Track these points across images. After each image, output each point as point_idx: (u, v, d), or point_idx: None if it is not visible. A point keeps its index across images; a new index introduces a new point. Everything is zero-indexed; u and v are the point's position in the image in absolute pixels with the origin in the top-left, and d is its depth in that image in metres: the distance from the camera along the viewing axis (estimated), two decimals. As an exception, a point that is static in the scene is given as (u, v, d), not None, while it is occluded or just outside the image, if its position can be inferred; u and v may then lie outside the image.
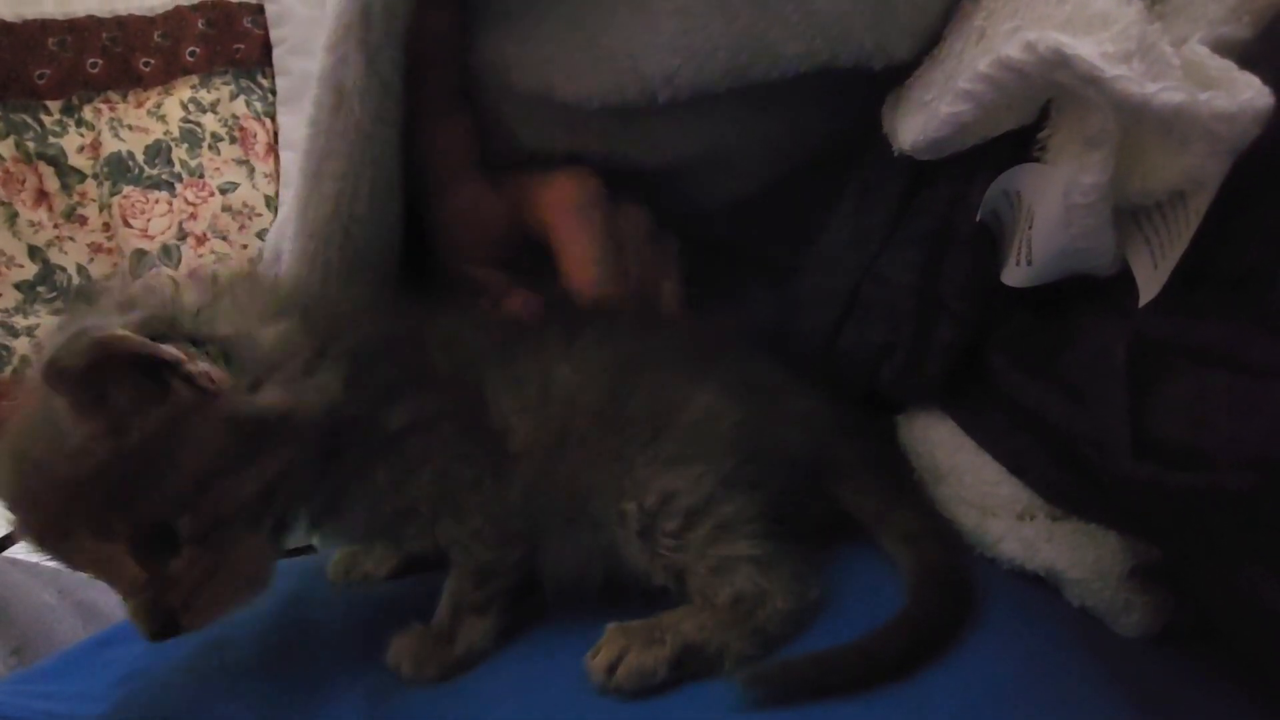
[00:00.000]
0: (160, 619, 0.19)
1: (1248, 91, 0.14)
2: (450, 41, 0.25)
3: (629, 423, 0.23)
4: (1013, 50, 0.16)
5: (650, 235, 0.28)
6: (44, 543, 0.19)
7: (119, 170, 0.85)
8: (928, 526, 0.24)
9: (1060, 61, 0.15)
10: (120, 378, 0.17)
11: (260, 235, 0.89)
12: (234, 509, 0.19)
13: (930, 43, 0.23)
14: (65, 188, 0.84)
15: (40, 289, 0.83)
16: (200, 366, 0.18)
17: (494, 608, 0.23)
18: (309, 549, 0.33)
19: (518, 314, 0.26)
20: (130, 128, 0.86)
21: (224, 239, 0.88)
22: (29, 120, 0.83)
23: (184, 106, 0.88)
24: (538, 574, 0.24)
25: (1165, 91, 0.14)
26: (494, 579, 0.23)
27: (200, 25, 0.89)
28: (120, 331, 0.17)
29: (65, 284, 0.84)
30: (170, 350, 0.18)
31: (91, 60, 0.85)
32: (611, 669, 0.20)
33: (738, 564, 0.22)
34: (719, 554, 0.22)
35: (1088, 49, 0.15)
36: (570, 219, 0.26)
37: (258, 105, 0.92)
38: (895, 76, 0.24)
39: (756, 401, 0.24)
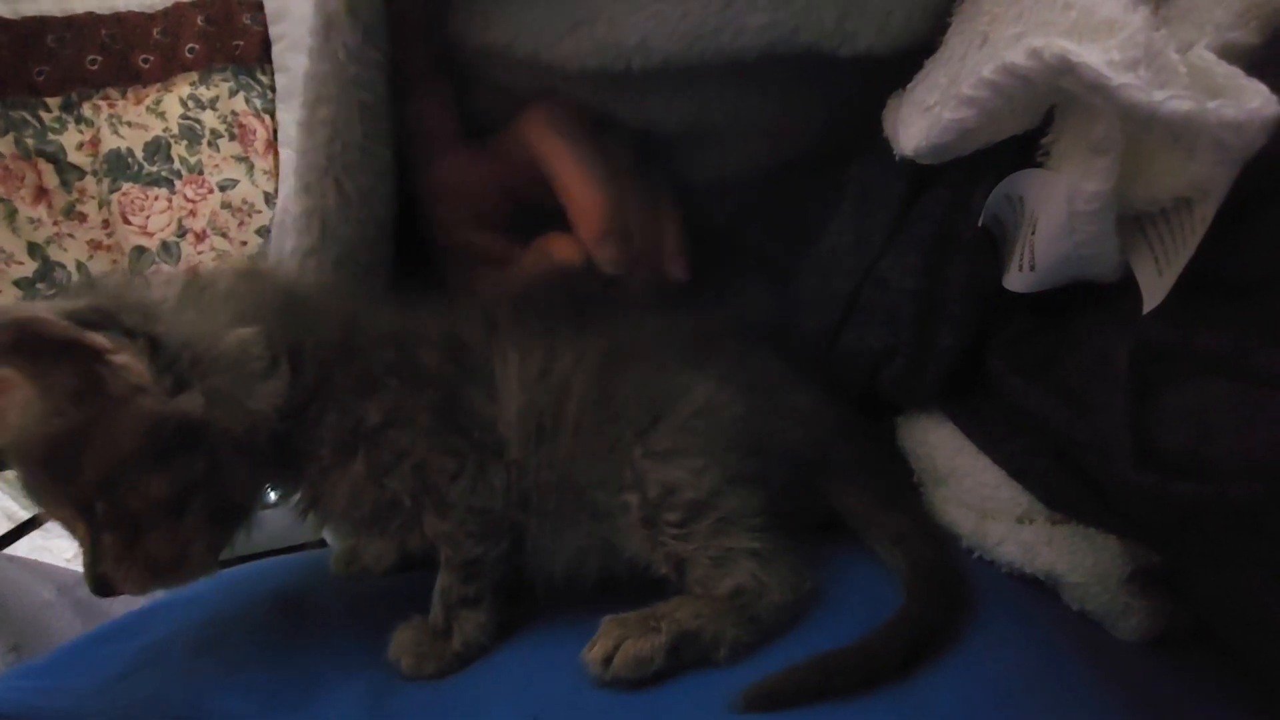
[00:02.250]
0: (93, 580, 0.20)
1: (1255, 99, 0.14)
2: (422, 10, 0.25)
3: (625, 411, 0.23)
4: (1017, 57, 0.16)
5: (639, 160, 0.28)
6: (29, 496, 0.20)
7: (118, 167, 0.85)
8: (917, 527, 0.24)
9: (1066, 69, 0.15)
10: (62, 362, 0.17)
11: (259, 232, 0.89)
12: (143, 505, 0.19)
13: (905, 35, 0.23)
14: (65, 185, 0.84)
15: (40, 286, 0.83)
16: (122, 359, 0.18)
17: (486, 600, 0.23)
18: (315, 545, 0.34)
19: (559, 259, 0.26)
20: (129, 125, 0.86)
21: (223, 235, 0.88)
22: (28, 117, 0.83)
23: (183, 103, 0.88)
24: (528, 569, 0.24)
25: (1172, 100, 0.14)
26: (482, 573, 0.23)
27: (199, 22, 0.89)
28: (40, 315, 0.17)
29: (65, 281, 0.84)
30: (94, 338, 0.17)
31: (91, 57, 0.85)
32: (608, 660, 0.20)
33: (739, 557, 0.22)
34: (721, 546, 0.22)
35: (1094, 56, 0.15)
36: (558, 142, 0.26)
37: (257, 102, 0.92)
38: (894, 79, 0.23)
39: (758, 395, 0.24)
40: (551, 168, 0.26)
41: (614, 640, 0.21)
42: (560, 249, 0.26)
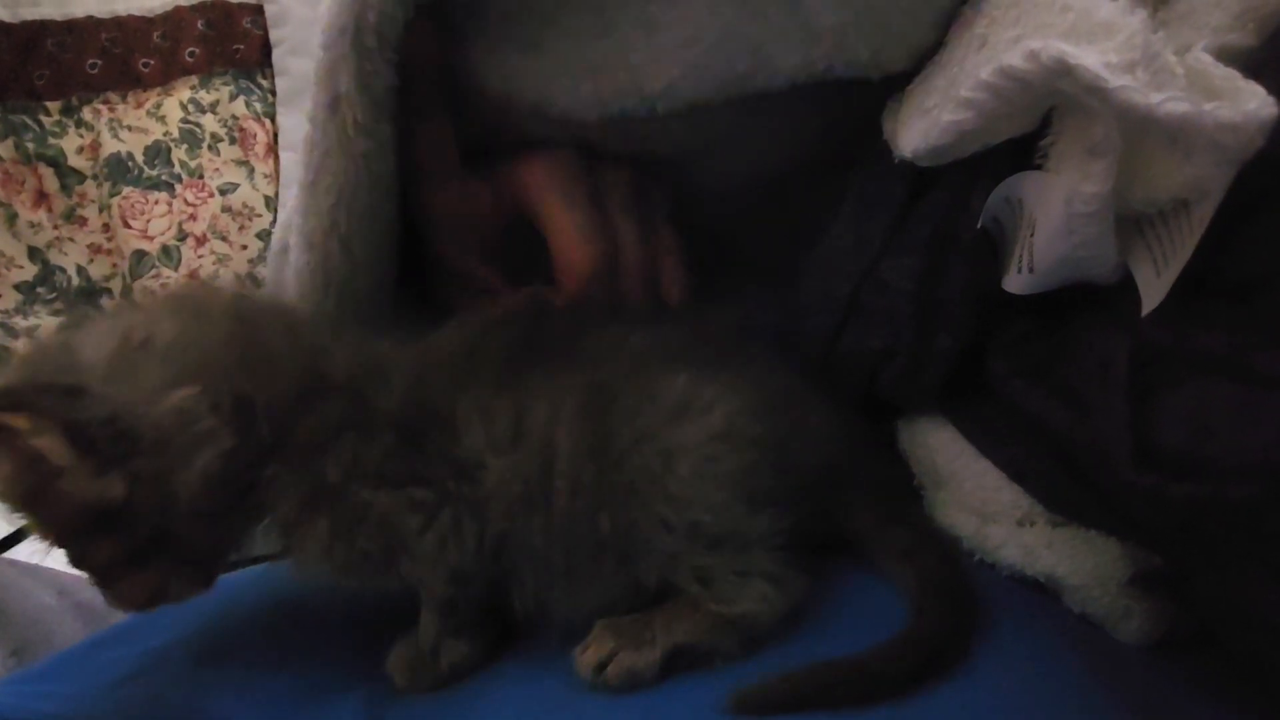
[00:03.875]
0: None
1: (1252, 101, 0.14)
2: (430, 44, 0.24)
3: (630, 456, 0.21)
4: (1015, 59, 0.16)
5: (638, 192, 0.27)
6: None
7: (118, 171, 0.85)
8: (926, 542, 0.23)
9: (1064, 71, 0.15)
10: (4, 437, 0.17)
11: (260, 236, 0.89)
12: (101, 562, 0.19)
13: (928, 53, 0.23)
14: (65, 189, 0.84)
15: (40, 290, 0.83)
16: (41, 442, 0.17)
17: (467, 632, 0.23)
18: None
19: (518, 307, 0.26)
20: (129, 128, 0.86)
21: (224, 239, 0.88)
22: (28, 121, 0.83)
23: (183, 107, 0.88)
24: (525, 614, 0.22)
25: (1169, 102, 0.14)
26: (458, 609, 0.22)
27: (200, 26, 0.89)
28: None
29: (65, 285, 0.84)
30: (13, 421, 0.17)
31: (91, 61, 0.85)
32: (601, 666, 0.20)
33: (755, 580, 0.21)
34: (741, 566, 0.21)
35: (1091, 59, 0.15)
36: (550, 197, 0.26)
37: (257, 106, 0.92)
38: (894, 81, 0.23)
39: (775, 414, 0.23)
40: (542, 222, 0.26)
41: (608, 649, 0.20)
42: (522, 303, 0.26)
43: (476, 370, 0.22)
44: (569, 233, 0.25)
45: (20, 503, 0.18)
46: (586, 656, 0.20)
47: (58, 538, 0.19)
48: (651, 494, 0.21)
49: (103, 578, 0.19)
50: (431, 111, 0.26)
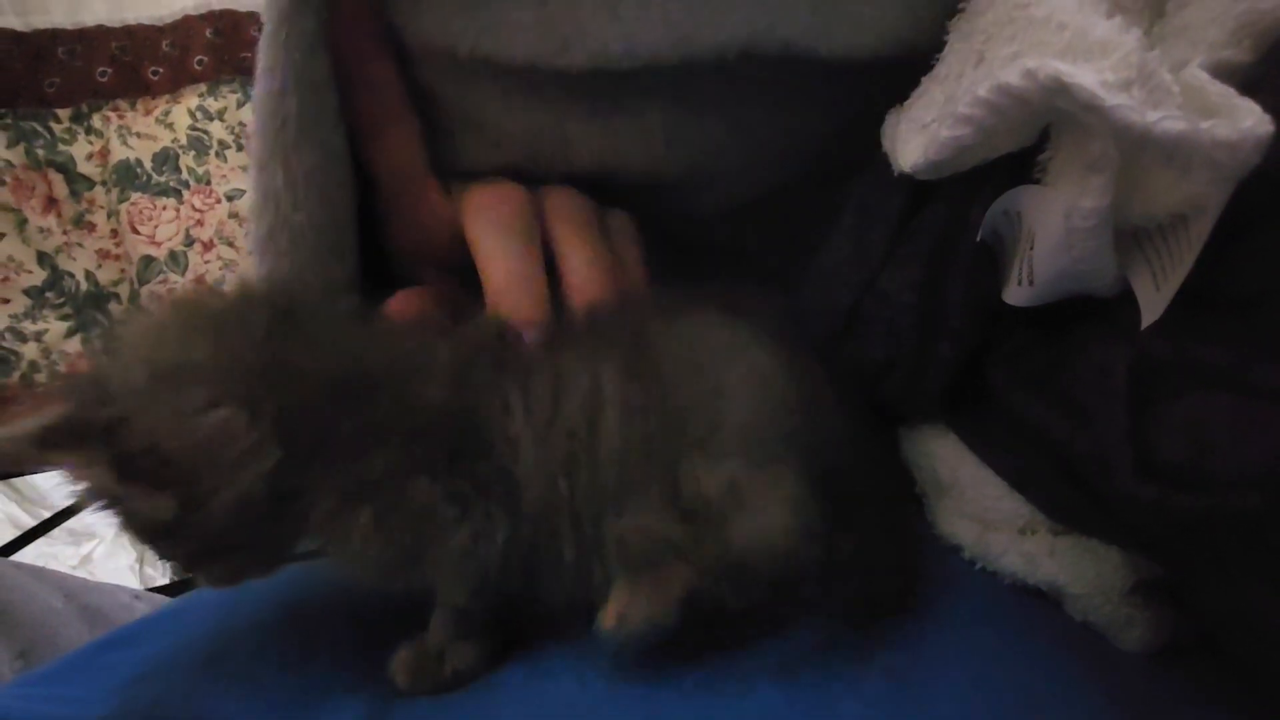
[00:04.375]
0: None
1: (1249, 119, 0.14)
2: (379, 48, 0.24)
3: (681, 418, 0.21)
4: (1012, 77, 0.16)
5: (589, 214, 0.27)
6: None
7: (127, 177, 0.86)
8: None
9: (1060, 89, 0.15)
10: None
11: (266, 241, 0.89)
12: (175, 559, 0.20)
13: (891, 44, 0.23)
14: (74, 195, 0.85)
15: (49, 295, 0.84)
16: (92, 473, 0.18)
17: (477, 635, 0.23)
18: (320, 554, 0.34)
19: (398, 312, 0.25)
20: (138, 135, 0.87)
21: (230, 245, 0.89)
22: (39, 128, 0.84)
23: (191, 114, 0.89)
24: (563, 605, 0.22)
25: (1166, 120, 0.14)
26: (471, 618, 0.22)
27: (208, 34, 0.90)
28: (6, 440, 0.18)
29: (73, 290, 0.84)
30: (60, 458, 0.18)
31: (101, 69, 0.86)
32: (623, 619, 0.20)
33: (779, 497, 0.20)
34: (772, 483, 0.20)
35: (1087, 77, 0.15)
36: (485, 232, 0.25)
37: (264, 113, 0.93)
38: (893, 96, 0.24)
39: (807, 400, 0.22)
40: (478, 262, 0.25)
41: (626, 599, 0.20)
42: (399, 307, 0.26)
43: (510, 358, 0.22)
44: (502, 286, 0.25)
45: (102, 510, 0.19)
46: (606, 615, 0.20)
47: (138, 540, 0.20)
48: (701, 431, 0.20)
49: (186, 567, 0.21)
50: (396, 118, 0.25)
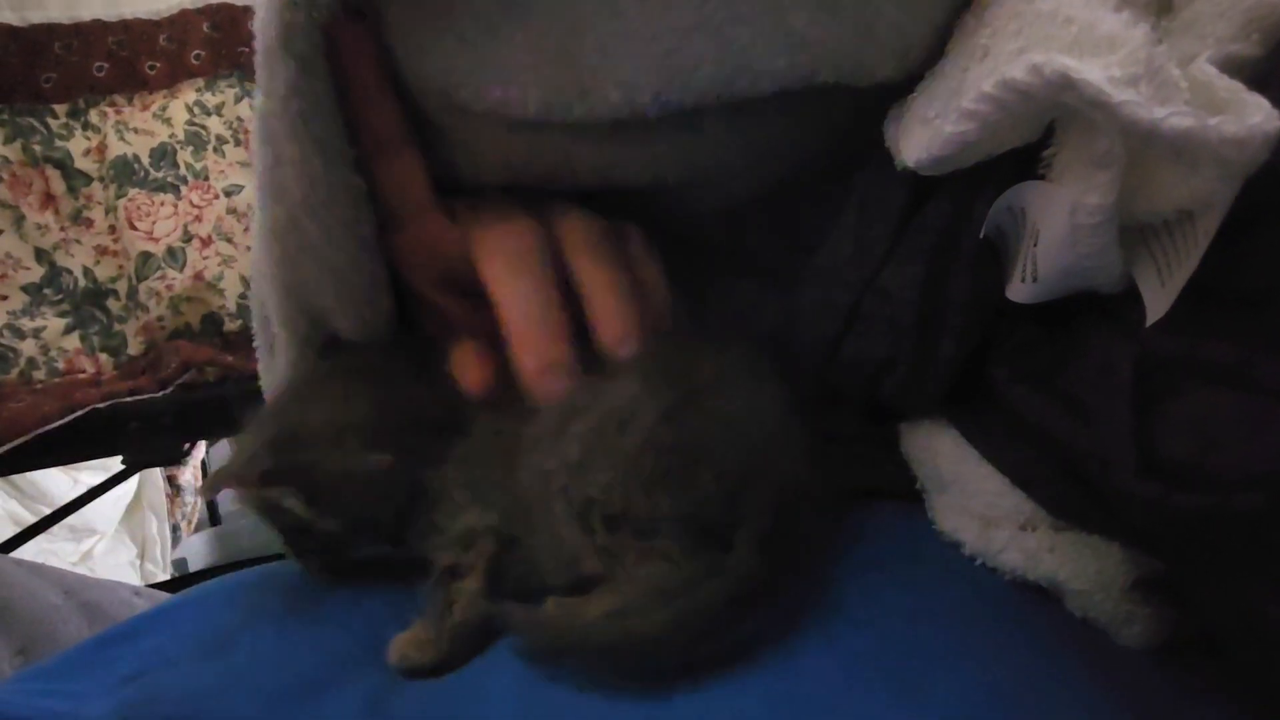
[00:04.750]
0: None
1: (1257, 115, 0.14)
2: (378, 78, 0.24)
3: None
4: (1018, 72, 0.16)
5: (605, 240, 0.26)
6: None
7: (125, 173, 0.85)
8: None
9: (1066, 85, 0.15)
10: None
11: (265, 237, 0.89)
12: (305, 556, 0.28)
13: (921, 62, 0.23)
14: (71, 191, 0.84)
15: (47, 291, 0.83)
16: (289, 503, 0.24)
17: (484, 565, 0.24)
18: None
19: (463, 375, 0.26)
20: (136, 131, 0.86)
21: (229, 241, 0.88)
22: (35, 124, 0.84)
23: (189, 109, 0.89)
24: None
25: (1173, 116, 0.14)
26: (488, 542, 0.24)
27: (205, 28, 0.89)
28: (236, 475, 0.25)
29: (71, 286, 0.84)
30: (269, 495, 0.24)
31: (98, 64, 0.86)
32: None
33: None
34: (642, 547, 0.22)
35: (1094, 73, 0.15)
36: (495, 267, 0.25)
37: (262, 108, 0.92)
38: (894, 90, 0.23)
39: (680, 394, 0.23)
40: (498, 306, 0.25)
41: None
42: (471, 373, 0.26)
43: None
44: (523, 332, 0.24)
45: (260, 515, 0.25)
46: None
47: (292, 546, 0.26)
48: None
49: (296, 554, 0.27)
50: (398, 147, 0.25)
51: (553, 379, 0.24)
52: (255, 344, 0.32)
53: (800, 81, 0.22)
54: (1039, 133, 0.19)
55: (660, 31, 0.22)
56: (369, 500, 0.25)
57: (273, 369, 0.30)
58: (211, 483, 0.25)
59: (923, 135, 0.20)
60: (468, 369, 0.26)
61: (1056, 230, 0.18)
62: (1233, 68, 0.16)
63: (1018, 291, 0.21)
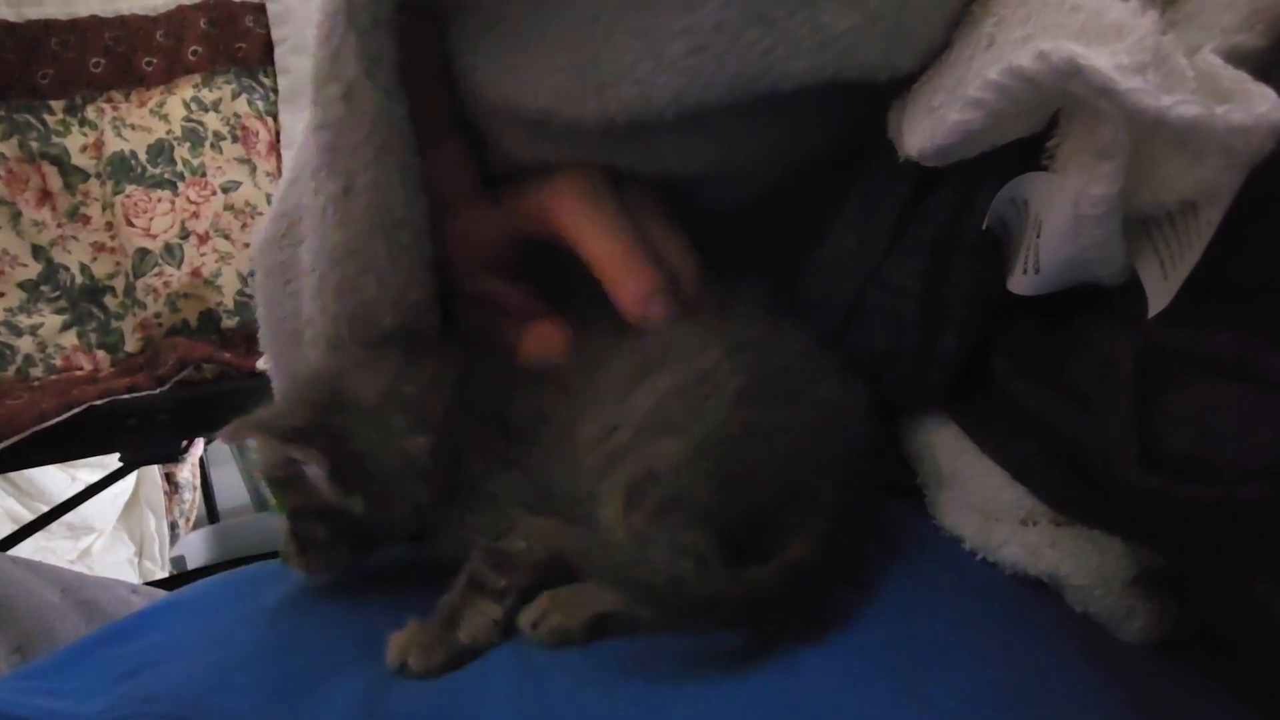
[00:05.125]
0: None
1: (1263, 104, 0.14)
2: (431, 65, 0.24)
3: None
4: (1025, 60, 0.16)
5: (664, 213, 0.27)
6: None
7: (122, 169, 0.85)
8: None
9: (1073, 72, 0.15)
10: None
11: (262, 234, 0.89)
12: (306, 539, 0.25)
13: (935, 53, 0.22)
14: (68, 187, 0.84)
15: (44, 288, 0.83)
16: (311, 470, 0.23)
17: (512, 597, 0.23)
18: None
19: (546, 348, 0.26)
20: (133, 127, 0.86)
21: (226, 237, 0.88)
22: (32, 120, 0.84)
23: (186, 105, 0.88)
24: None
25: (1180, 105, 0.14)
26: (520, 567, 0.23)
27: (202, 24, 0.89)
28: (260, 428, 0.23)
29: (68, 283, 0.84)
30: (293, 452, 0.23)
31: (94, 60, 0.85)
32: (534, 625, 0.22)
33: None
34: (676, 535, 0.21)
35: (1102, 60, 0.15)
36: (590, 228, 0.25)
37: (259, 104, 0.92)
38: (897, 82, 0.23)
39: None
40: (585, 248, 0.25)
41: (540, 611, 0.22)
42: (544, 343, 0.26)
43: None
44: (620, 265, 0.25)
45: (277, 486, 0.24)
46: (525, 615, 0.22)
47: (290, 516, 0.24)
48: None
49: (299, 547, 0.24)
50: (443, 134, 0.25)
51: (656, 303, 0.24)
52: (261, 340, 0.32)
53: (823, 80, 0.22)
54: (1043, 123, 0.19)
55: (682, 32, 0.21)
56: (398, 485, 0.23)
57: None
58: (235, 429, 0.23)
59: (926, 125, 0.20)
60: (547, 337, 0.26)
61: (1059, 221, 0.18)
62: (1237, 59, 0.16)
63: (1020, 283, 0.21)
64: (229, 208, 0.90)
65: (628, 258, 0.25)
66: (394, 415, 0.23)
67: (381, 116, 0.22)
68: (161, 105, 0.88)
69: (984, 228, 0.22)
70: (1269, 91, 0.14)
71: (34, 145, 0.85)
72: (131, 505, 1.34)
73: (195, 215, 0.88)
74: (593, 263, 0.25)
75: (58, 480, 1.20)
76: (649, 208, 0.26)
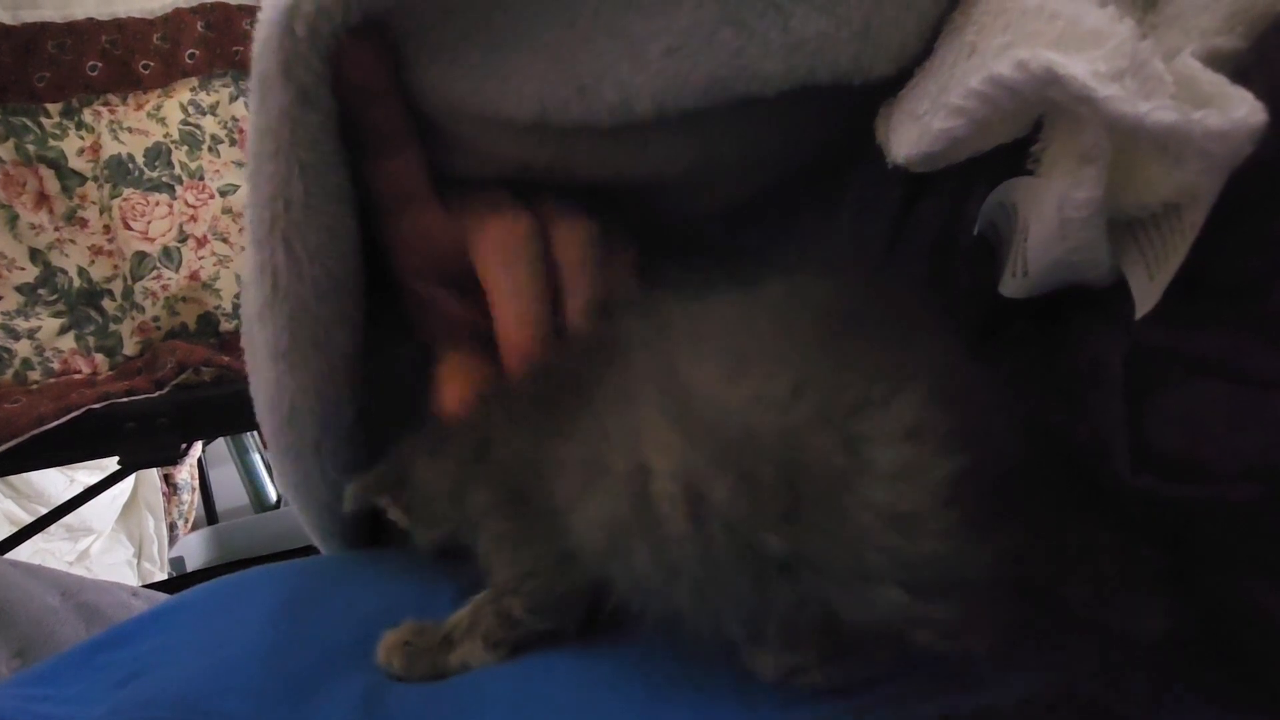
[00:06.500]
0: None
1: (1241, 108, 0.14)
2: (388, 75, 0.24)
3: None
4: (1004, 68, 0.16)
5: (594, 249, 0.27)
6: None
7: (119, 173, 0.85)
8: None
9: (1052, 80, 0.15)
10: None
11: (260, 237, 0.89)
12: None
13: (913, 58, 0.23)
14: (66, 190, 0.84)
15: (41, 291, 0.83)
16: (392, 514, 0.26)
17: (507, 649, 0.23)
18: (315, 548, 0.34)
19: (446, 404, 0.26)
20: (130, 130, 0.86)
21: (224, 240, 0.88)
22: (29, 123, 0.84)
23: (183, 109, 0.88)
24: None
25: (1158, 111, 0.14)
26: (521, 628, 0.22)
27: (199, 28, 0.89)
28: (355, 488, 0.26)
29: (66, 287, 0.84)
30: (379, 501, 0.26)
31: (91, 63, 0.85)
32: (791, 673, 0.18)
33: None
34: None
35: (1079, 68, 0.15)
36: (498, 272, 0.25)
37: (257, 107, 0.92)
38: (886, 87, 0.24)
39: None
40: (490, 295, 0.25)
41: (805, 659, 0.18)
42: (449, 389, 0.26)
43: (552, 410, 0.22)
44: (509, 317, 0.25)
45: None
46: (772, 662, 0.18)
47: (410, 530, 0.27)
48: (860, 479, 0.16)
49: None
50: (399, 145, 0.25)
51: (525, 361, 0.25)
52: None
53: (797, 83, 0.23)
54: (1029, 128, 0.19)
55: (658, 33, 0.22)
56: (445, 519, 0.25)
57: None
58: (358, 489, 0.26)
59: (912, 132, 0.20)
60: (447, 384, 0.26)
61: (1046, 224, 0.18)
62: (1217, 61, 0.16)
63: (1010, 286, 0.21)
64: (227, 211, 0.90)
65: (525, 325, 0.25)
66: (437, 466, 0.26)
67: (287, 116, 0.22)
68: (159, 108, 0.88)
69: (975, 233, 0.22)
70: (1247, 95, 0.14)
71: (31, 148, 0.85)
72: (130, 507, 1.34)
73: (193, 218, 0.88)
74: (494, 314, 0.26)
75: (56, 482, 1.20)
76: (588, 252, 0.26)
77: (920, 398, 0.16)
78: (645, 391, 0.18)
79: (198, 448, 1.22)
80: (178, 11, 0.89)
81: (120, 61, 0.86)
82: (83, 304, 0.84)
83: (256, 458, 1.30)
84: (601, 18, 0.22)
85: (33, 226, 0.84)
